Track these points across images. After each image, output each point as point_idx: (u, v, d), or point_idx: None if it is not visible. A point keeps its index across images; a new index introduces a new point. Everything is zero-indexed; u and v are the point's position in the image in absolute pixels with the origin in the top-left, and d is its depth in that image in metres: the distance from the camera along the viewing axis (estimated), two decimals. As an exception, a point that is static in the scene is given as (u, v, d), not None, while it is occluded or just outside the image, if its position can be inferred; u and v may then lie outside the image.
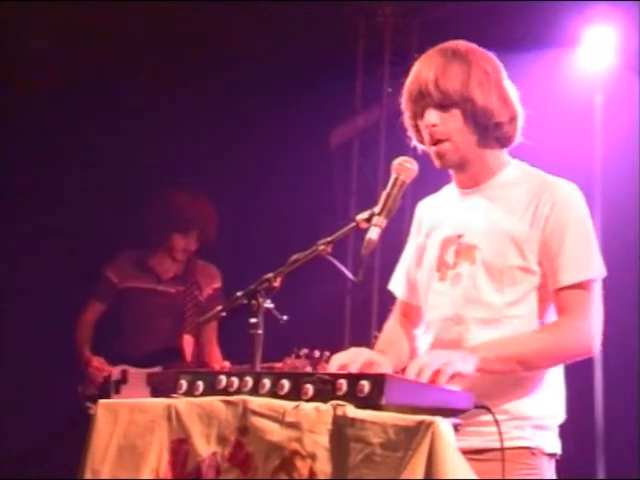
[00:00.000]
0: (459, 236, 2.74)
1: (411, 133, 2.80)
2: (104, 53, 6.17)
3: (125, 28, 6.09)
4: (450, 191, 2.87)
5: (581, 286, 2.60)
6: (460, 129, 2.67)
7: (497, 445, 2.52)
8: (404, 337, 2.93)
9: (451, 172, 2.82)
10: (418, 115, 2.73)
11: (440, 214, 2.85)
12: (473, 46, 2.74)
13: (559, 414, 2.72)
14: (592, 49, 6.02)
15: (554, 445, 2.70)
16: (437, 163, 2.74)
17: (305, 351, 4.91)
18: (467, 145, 2.69)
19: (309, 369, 4.89)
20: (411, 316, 2.96)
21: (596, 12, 5.82)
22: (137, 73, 6.26)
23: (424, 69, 2.69)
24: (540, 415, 2.66)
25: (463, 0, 6.11)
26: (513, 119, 2.70)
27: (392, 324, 2.99)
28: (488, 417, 2.54)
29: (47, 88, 6.21)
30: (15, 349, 6.30)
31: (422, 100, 2.69)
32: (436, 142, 2.69)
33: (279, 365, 4.85)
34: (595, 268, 2.64)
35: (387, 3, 6.72)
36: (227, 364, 5.28)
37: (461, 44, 2.73)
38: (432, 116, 2.68)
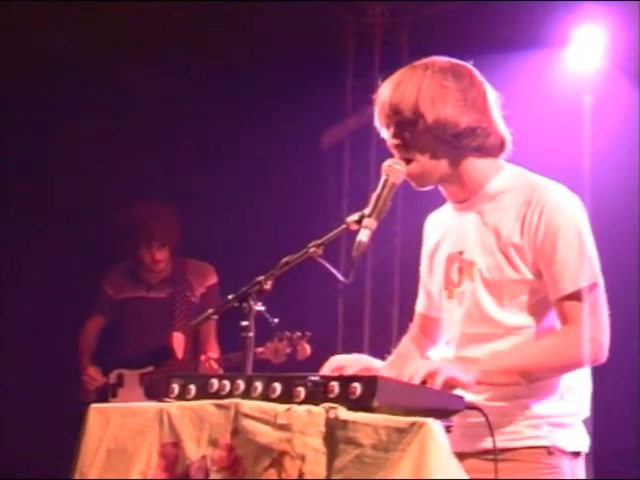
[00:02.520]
0: (460, 252, 2.72)
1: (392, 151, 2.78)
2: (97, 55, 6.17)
3: (112, 33, 6.09)
4: (449, 205, 2.84)
5: (580, 293, 2.56)
6: (421, 147, 2.64)
7: (515, 444, 2.56)
8: (416, 353, 2.90)
9: (441, 188, 2.79)
10: (387, 135, 2.71)
11: (443, 228, 2.82)
12: (439, 60, 2.69)
13: (581, 411, 2.67)
14: (581, 49, 6.04)
15: (577, 443, 2.64)
16: (414, 185, 2.71)
17: (286, 333, 4.92)
18: (432, 162, 2.65)
19: (289, 350, 4.91)
20: (430, 330, 2.93)
21: (585, 12, 5.83)
22: (130, 77, 6.25)
23: (383, 91, 2.68)
24: (557, 413, 2.61)
25: (453, 0, 6.13)
26: (476, 127, 2.63)
27: (406, 340, 2.97)
28: (503, 418, 2.56)
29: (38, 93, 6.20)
30: (15, 353, 6.30)
31: (384, 122, 2.69)
32: (405, 162, 2.67)
33: (260, 350, 4.86)
34: (592, 273, 2.58)
35: (377, 3, 6.73)
36: (212, 355, 5.29)
37: (428, 60, 2.69)
38: (393, 137, 2.67)
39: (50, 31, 5.94)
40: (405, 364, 2.68)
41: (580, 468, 2.66)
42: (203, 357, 5.31)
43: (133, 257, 5.56)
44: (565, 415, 2.63)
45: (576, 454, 2.64)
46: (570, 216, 2.60)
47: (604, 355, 2.58)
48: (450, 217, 2.81)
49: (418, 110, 2.61)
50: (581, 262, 2.57)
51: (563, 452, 2.61)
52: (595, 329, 2.55)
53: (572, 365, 2.59)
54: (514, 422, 2.59)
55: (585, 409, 2.69)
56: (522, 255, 2.60)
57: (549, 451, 2.59)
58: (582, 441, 2.67)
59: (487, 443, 2.47)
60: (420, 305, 2.97)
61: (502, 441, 2.53)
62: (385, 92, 2.68)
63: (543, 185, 2.66)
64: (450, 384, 2.39)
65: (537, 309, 2.63)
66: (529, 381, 2.55)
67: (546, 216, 2.58)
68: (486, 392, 2.57)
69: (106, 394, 5.39)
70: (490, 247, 2.65)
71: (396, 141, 2.66)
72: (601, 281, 2.62)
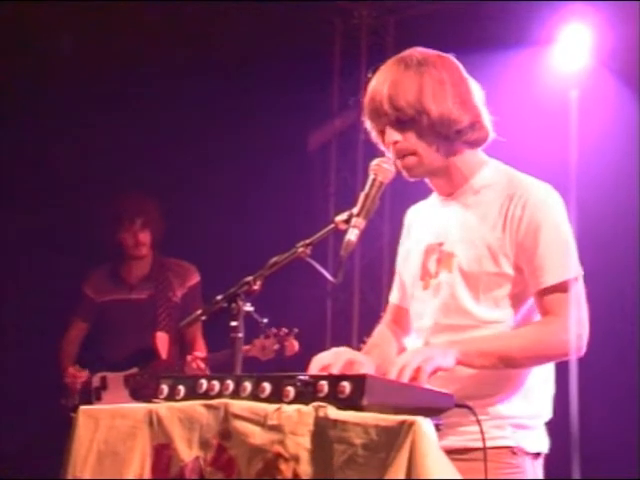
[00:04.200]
0: (440, 244, 2.74)
1: (381, 147, 2.78)
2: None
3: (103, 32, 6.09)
4: (434, 198, 2.86)
5: (561, 287, 2.58)
6: (422, 142, 2.66)
7: (478, 445, 2.52)
8: (391, 339, 2.93)
9: (427, 180, 2.81)
10: (379, 132, 2.72)
11: (425, 221, 2.85)
12: (428, 53, 2.71)
13: (544, 413, 2.71)
14: (567, 47, 6.05)
15: (538, 444, 2.69)
16: (405, 175, 2.72)
17: (273, 330, 4.90)
18: (432, 156, 2.68)
19: (277, 347, 4.89)
20: (402, 321, 2.95)
21: (571, 11, 5.85)
22: (113, 75, 6.24)
23: (377, 86, 2.68)
24: (520, 414, 2.65)
25: (438, 0, 6.14)
26: (475, 123, 2.67)
27: (380, 328, 2.99)
28: (468, 418, 2.54)
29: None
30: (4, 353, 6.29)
31: (380, 118, 2.69)
32: (402, 156, 2.68)
33: (247, 347, 4.82)
34: (573, 267, 2.61)
35: (363, 3, 6.73)
36: (199, 354, 5.26)
37: (416, 53, 2.71)
38: (392, 133, 2.67)
39: (51, 31, 5.94)
40: (382, 354, 2.76)
41: (540, 468, 2.69)
42: (190, 357, 5.28)
43: (116, 246, 5.52)
44: (528, 417, 2.67)
45: (537, 455, 2.68)
46: (552, 211, 2.64)
47: (583, 348, 2.59)
48: (433, 209, 2.83)
49: (422, 107, 2.62)
50: (563, 256, 2.60)
51: (526, 452, 2.65)
52: (576, 322, 2.57)
53: (552, 354, 2.61)
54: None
55: (548, 411, 2.73)
56: (503, 249, 2.62)
57: (513, 451, 2.63)
58: (543, 442, 2.71)
59: (455, 442, 2.55)
60: (394, 296, 2.99)
61: (466, 441, 2.57)
62: (380, 88, 2.67)
63: (525, 181, 2.69)
64: (434, 372, 2.43)
65: (512, 304, 2.65)
66: (507, 366, 2.57)
67: (529, 211, 2.61)
68: (450, 390, 2.59)
69: (89, 397, 5.35)
70: (471, 240, 2.67)
71: (396, 137, 2.67)
72: (581, 276, 2.64)
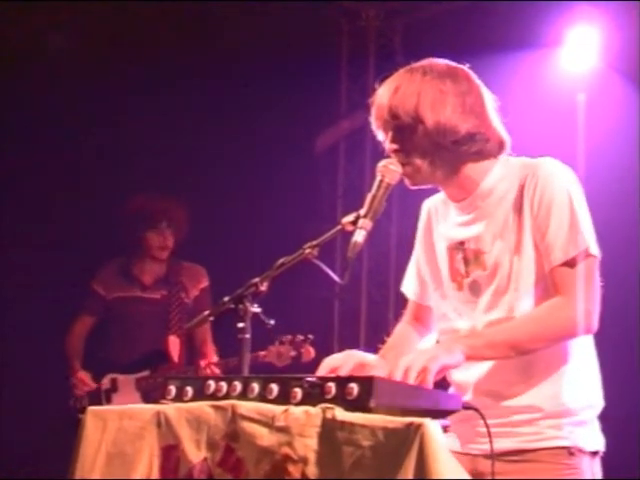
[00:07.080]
0: (461, 242, 2.72)
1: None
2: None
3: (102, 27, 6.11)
4: (447, 197, 2.83)
5: (571, 262, 2.55)
6: (419, 151, 2.64)
7: (533, 446, 2.55)
8: (409, 340, 2.90)
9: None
10: (384, 138, 2.72)
11: (443, 218, 2.82)
12: (437, 64, 2.69)
13: (597, 402, 2.66)
14: (575, 49, 6.05)
15: (595, 442, 2.63)
16: (407, 183, 2.71)
17: (288, 337, 4.91)
18: (430, 166, 2.66)
19: (293, 353, 4.90)
20: (423, 317, 2.92)
21: (579, 13, 5.85)
22: (120, 77, 6.25)
23: (382, 94, 2.68)
24: (576, 408, 2.59)
25: (446, 1, 6.14)
26: (476, 134, 2.64)
27: (400, 327, 2.96)
28: (521, 417, 2.56)
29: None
30: (7, 358, 6.29)
31: (382, 125, 2.69)
32: (401, 164, 2.67)
33: (263, 353, 4.84)
34: (582, 241, 2.57)
35: (370, 4, 6.73)
36: (213, 359, 5.29)
37: (425, 63, 2.69)
38: (391, 141, 2.67)
39: (49, 30, 5.95)
40: (397, 356, 2.69)
41: (598, 468, 2.64)
42: (203, 363, 5.29)
43: (136, 243, 5.53)
44: (582, 409, 2.61)
45: (595, 453, 2.63)
46: (562, 187, 2.61)
47: (594, 325, 2.56)
48: (450, 209, 2.80)
49: (418, 116, 2.61)
50: (572, 232, 2.57)
51: (583, 452, 2.59)
52: (584, 298, 2.53)
53: (561, 335, 2.57)
54: (533, 422, 2.57)
55: (599, 400, 2.67)
56: (525, 236, 2.60)
57: (570, 451, 2.57)
58: (600, 440, 2.66)
59: (506, 444, 2.51)
60: (412, 292, 2.94)
61: (522, 442, 2.54)
62: (383, 96, 2.67)
63: (535, 162, 2.68)
64: (441, 372, 2.42)
65: (541, 288, 2.60)
66: (519, 353, 2.54)
67: (540, 188, 2.60)
68: (499, 392, 2.57)
69: (99, 399, 5.35)
70: (497, 234, 2.65)
71: (394, 146, 2.67)
72: (596, 252, 2.60)
